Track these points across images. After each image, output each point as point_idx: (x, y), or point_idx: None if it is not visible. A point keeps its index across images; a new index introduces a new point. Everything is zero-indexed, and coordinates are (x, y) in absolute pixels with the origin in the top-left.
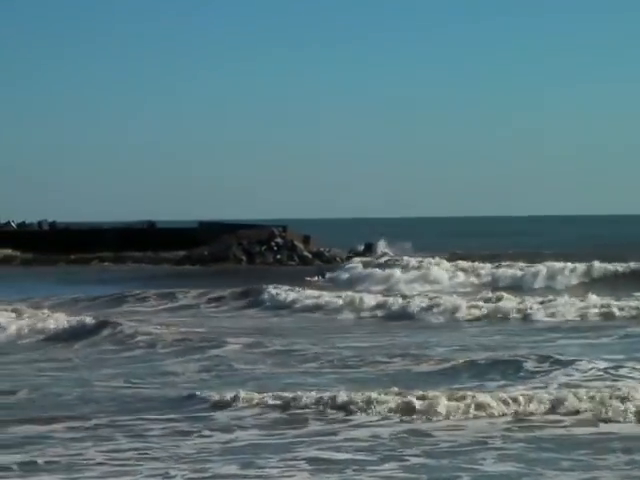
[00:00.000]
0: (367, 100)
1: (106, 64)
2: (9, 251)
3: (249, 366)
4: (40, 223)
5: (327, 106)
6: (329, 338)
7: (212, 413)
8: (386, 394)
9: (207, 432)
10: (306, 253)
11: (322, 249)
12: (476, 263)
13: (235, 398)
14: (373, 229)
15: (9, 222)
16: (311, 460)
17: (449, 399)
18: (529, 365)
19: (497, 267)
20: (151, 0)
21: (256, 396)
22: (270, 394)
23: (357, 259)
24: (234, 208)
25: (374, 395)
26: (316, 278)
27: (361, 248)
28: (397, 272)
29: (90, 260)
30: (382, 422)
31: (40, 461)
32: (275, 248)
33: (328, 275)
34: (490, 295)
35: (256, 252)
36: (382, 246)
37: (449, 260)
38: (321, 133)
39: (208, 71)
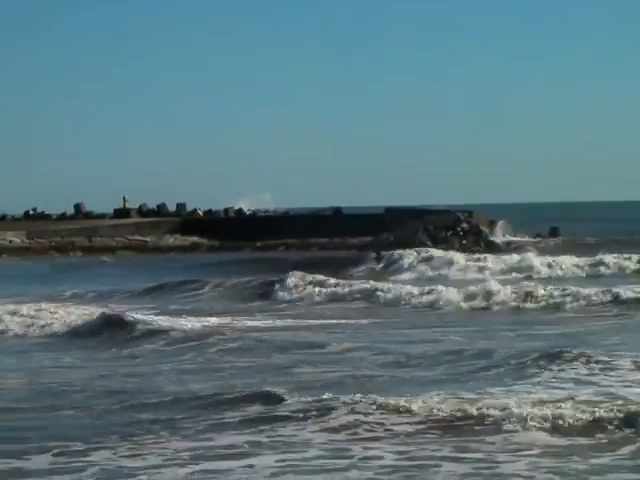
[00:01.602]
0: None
1: None
2: (195, 238)
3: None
4: (226, 210)
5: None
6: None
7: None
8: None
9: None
10: (492, 238)
11: (507, 234)
12: None
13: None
14: (560, 214)
15: (196, 210)
16: None
17: None
18: None
19: None
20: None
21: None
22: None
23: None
24: (421, 194)
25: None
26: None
27: (545, 232)
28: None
29: (276, 247)
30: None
31: (265, 440)
32: (461, 233)
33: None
34: None
35: (442, 237)
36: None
37: None
38: (506, 120)
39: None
